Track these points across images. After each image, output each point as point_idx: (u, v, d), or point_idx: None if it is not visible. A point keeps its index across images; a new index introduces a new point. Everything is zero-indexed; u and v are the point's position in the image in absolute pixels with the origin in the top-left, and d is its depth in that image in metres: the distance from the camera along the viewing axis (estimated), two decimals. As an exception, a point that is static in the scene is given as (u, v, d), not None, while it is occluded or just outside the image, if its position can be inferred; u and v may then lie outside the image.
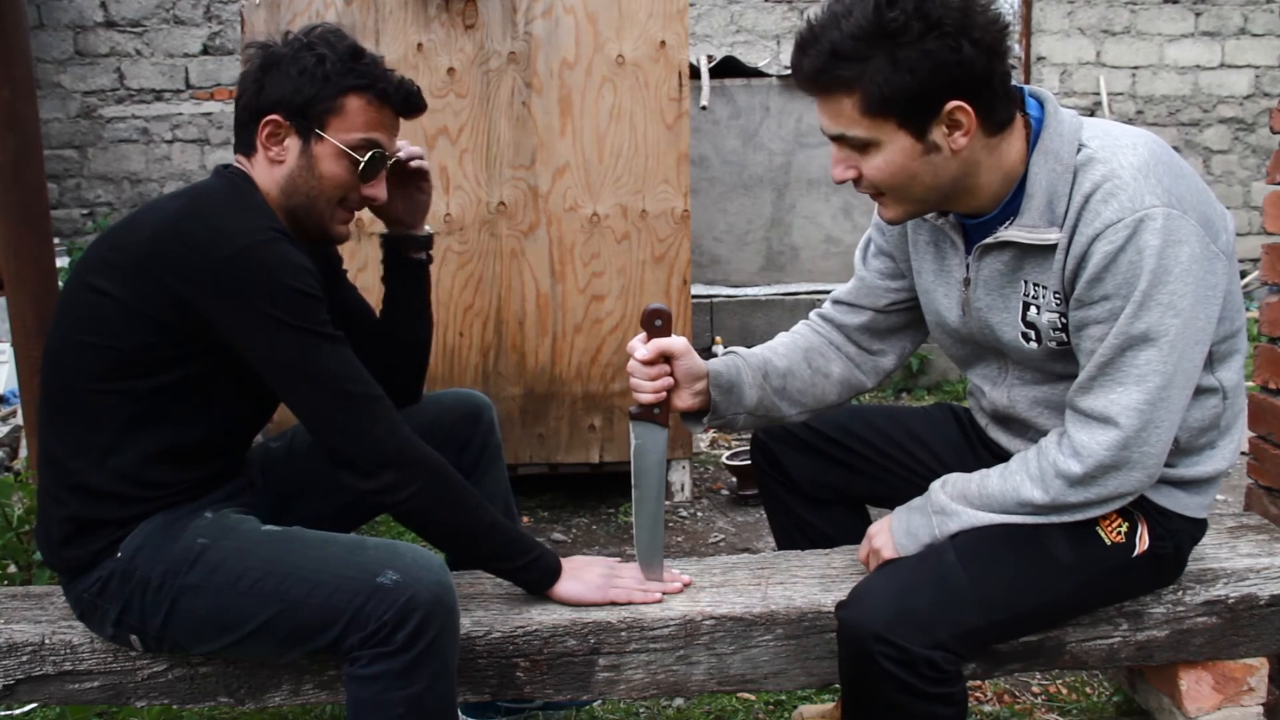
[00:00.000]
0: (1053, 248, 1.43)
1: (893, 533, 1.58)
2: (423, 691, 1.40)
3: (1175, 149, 7.32)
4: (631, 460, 1.66)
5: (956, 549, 1.50)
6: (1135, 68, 6.82)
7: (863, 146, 1.40)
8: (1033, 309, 1.49)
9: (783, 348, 1.75)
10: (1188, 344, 1.39)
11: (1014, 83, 1.43)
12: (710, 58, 4.93)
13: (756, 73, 5.04)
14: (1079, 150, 1.41)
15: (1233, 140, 7.03)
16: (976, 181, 1.45)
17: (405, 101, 1.61)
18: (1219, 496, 3.29)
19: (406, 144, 1.76)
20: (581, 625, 1.61)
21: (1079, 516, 1.48)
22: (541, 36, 3.01)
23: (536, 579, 1.64)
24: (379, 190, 1.63)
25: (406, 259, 1.84)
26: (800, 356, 1.74)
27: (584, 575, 1.66)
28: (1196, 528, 1.60)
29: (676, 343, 1.60)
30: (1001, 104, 1.40)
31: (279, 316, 1.43)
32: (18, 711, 2.04)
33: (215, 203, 1.52)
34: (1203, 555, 1.71)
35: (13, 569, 2.50)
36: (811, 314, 1.82)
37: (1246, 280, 6.29)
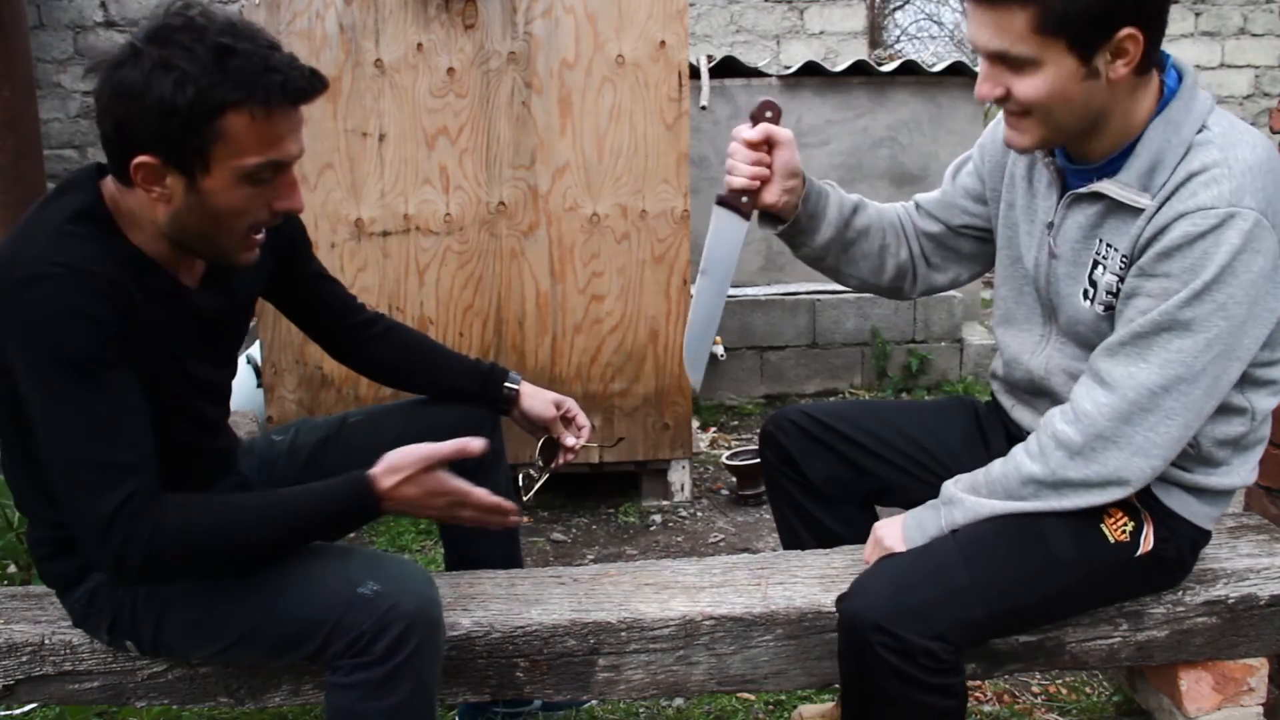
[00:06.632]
0: (1138, 212, 1.42)
1: (904, 528, 1.58)
2: (400, 704, 1.38)
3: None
4: (706, 245, 1.62)
5: (957, 542, 1.50)
6: (1135, 68, 6.81)
7: (1020, 65, 1.37)
8: (1099, 268, 1.48)
9: (873, 209, 1.76)
10: (1226, 352, 1.39)
11: None
12: (710, 58, 4.92)
13: (756, 73, 5.04)
14: (1200, 130, 1.41)
15: (1233, 140, 7.03)
16: (1109, 122, 1.43)
17: (297, 96, 1.32)
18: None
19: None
20: (581, 625, 1.61)
21: (1080, 500, 1.47)
22: (541, 36, 3.01)
23: (363, 513, 1.47)
24: (294, 200, 1.40)
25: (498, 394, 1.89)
26: (881, 224, 1.75)
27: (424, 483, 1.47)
28: (1201, 536, 1.60)
29: (784, 133, 1.59)
30: (1160, 41, 1.39)
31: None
32: (18, 711, 2.04)
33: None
34: (1203, 555, 1.70)
35: (13, 569, 2.50)
36: (901, 204, 1.82)
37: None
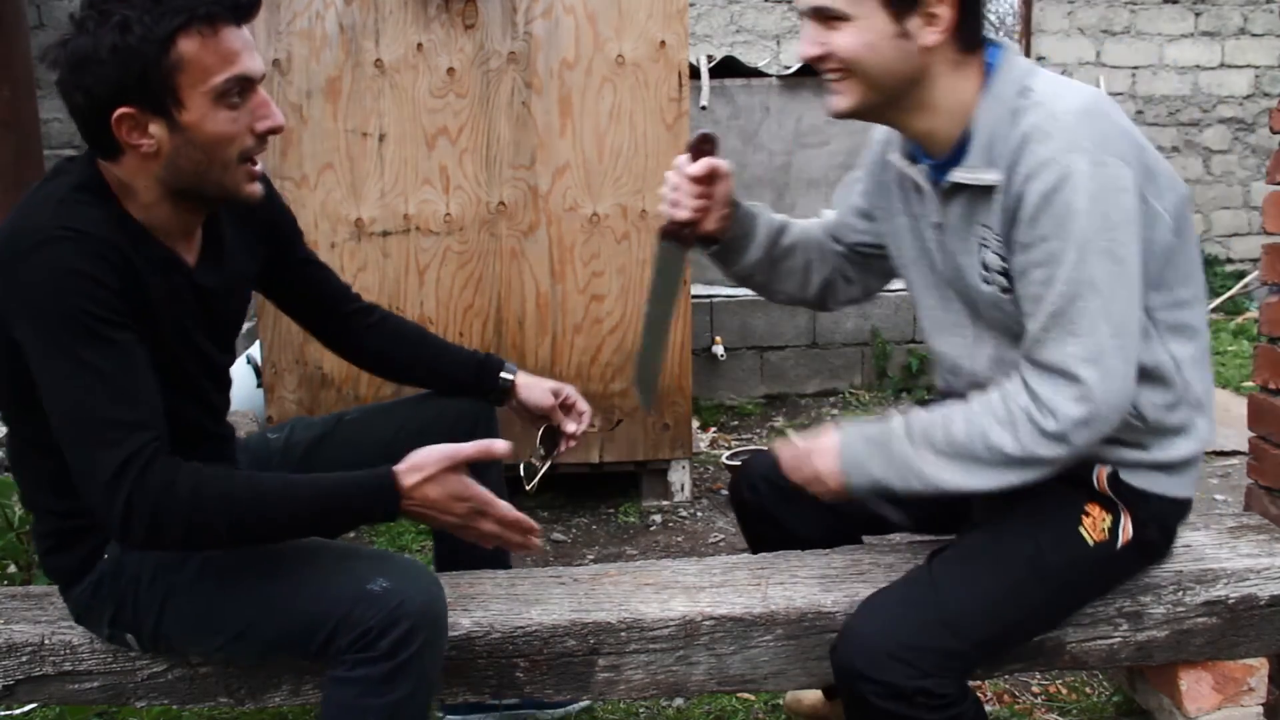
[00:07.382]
0: (993, 189, 1.44)
1: (840, 459, 1.51)
2: (401, 700, 1.38)
3: (1175, 149, 7.22)
4: (652, 277, 1.69)
5: (934, 574, 1.50)
6: (1135, 68, 6.82)
7: (836, 19, 1.42)
8: (985, 249, 1.50)
9: (798, 228, 1.79)
10: (1128, 292, 1.38)
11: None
12: (710, 58, 4.92)
13: (756, 73, 5.04)
14: (1023, 94, 1.43)
15: (1232, 140, 7.03)
16: (931, 97, 1.46)
17: (235, 7, 1.37)
18: (1218, 496, 3.29)
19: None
20: (581, 625, 1.61)
21: (1048, 470, 1.44)
22: (541, 36, 3.01)
23: (382, 508, 1.44)
24: (273, 118, 1.43)
25: (493, 385, 1.88)
26: (805, 242, 1.78)
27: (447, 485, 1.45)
28: (1180, 507, 1.59)
29: (725, 165, 1.64)
30: (978, 24, 1.45)
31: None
32: (18, 711, 2.04)
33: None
34: (1203, 555, 1.71)
35: (13, 569, 2.50)
36: (820, 221, 1.84)
37: (1246, 280, 6.29)
